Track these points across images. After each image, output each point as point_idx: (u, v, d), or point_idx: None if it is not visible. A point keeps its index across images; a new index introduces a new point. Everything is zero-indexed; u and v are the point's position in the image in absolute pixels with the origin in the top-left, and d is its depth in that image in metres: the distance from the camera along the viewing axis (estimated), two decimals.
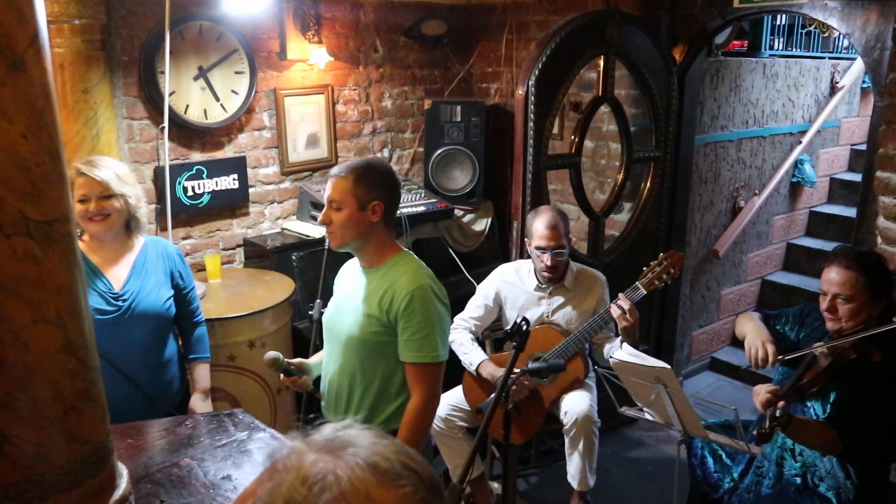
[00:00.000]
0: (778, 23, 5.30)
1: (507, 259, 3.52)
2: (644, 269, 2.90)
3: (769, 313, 2.62)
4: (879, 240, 2.93)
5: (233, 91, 3.44)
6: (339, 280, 2.28)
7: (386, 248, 2.09)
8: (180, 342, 2.54)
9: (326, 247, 2.20)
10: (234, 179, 3.51)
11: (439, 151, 3.97)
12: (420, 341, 1.99)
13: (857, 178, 4.84)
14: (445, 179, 4.03)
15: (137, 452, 1.75)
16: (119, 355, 2.22)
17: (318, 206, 3.46)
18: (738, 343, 3.50)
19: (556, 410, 3.01)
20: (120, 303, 2.25)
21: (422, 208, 3.68)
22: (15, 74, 0.97)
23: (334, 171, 2.04)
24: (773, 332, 2.52)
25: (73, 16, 2.69)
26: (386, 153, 4.22)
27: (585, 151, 3.75)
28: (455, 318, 3.01)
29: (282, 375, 2.19)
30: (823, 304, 2.28)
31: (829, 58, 5.19)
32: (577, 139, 3.48)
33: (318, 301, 2.56)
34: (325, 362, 2.24)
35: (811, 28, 5.18)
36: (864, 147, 3.47)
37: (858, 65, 5.06)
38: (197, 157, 3.42)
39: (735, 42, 4.74)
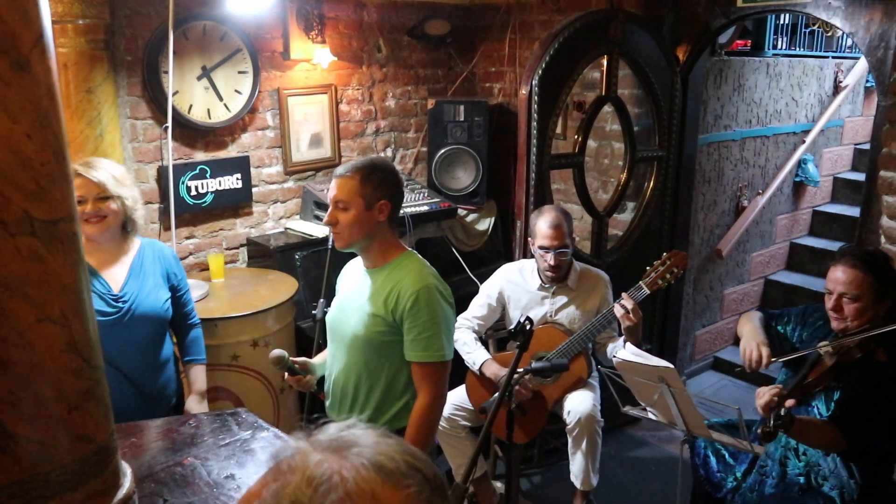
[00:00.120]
0: (781, 22, 5.28)
1: (511, 258, 3.52)
2: (647, 268, 2.90)
3: (771, 313, 2.61)
4: (883, 239, 2.92)
5: (236, 91, 3.44)
6: (342, 279, 2.28)
7: (390, 247, 2.09)
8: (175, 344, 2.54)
9: (330, 246, 2.19)
10: (237, 179, 3.52)
11: (442, 151, 3.97)
12: (426, 340, 1.99)
13: (860, 177, 4.83)
14: (449, 179, 4.02)
15: (141, 451, 1.75)
16: (118, 356, 2.21)
17: (321, 205, 3.46)
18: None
19: (559, 410, 3.00)
20: (120, 304, 2.25)
21: (425, 208, 3.68)
22: (20, 74, 0.97)
23: (339, 170, 2.03)
24: (773, 333, 2.51)
25: (76, 16, 2.69)
26: (389, 153, 4.22)
27: (589, 151, 3.75)
28: (458, 318, 3.01)
29: (286, 374, 2.19)
30: (829, 302, 2.27)
31: (833, 57, 5.18)
32: (580, 139, 3.47)
33: (322, 301, 2.56)
34: (330, 362, 2.24)
35: (815, 27, 5.17)
36: (867, 146, 3.47)
37: (862, 64, 5.04)
38: (200, 156, 3.42)
39: (738, 41, 4.74)
